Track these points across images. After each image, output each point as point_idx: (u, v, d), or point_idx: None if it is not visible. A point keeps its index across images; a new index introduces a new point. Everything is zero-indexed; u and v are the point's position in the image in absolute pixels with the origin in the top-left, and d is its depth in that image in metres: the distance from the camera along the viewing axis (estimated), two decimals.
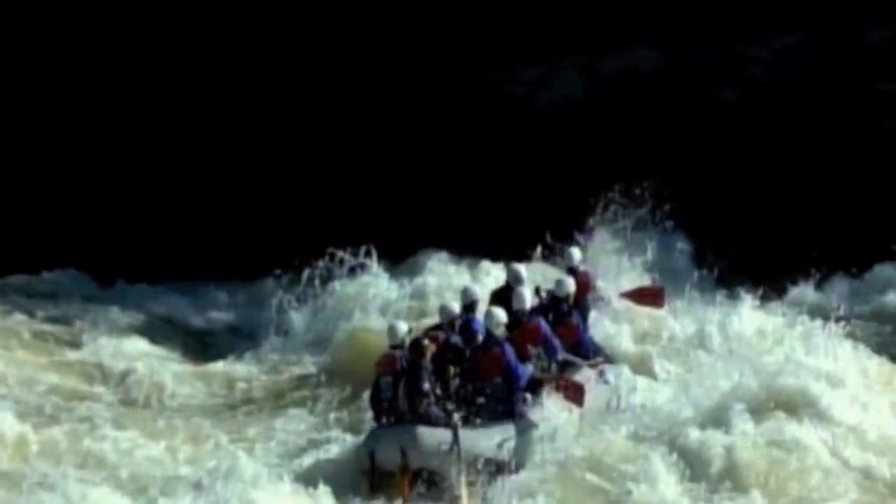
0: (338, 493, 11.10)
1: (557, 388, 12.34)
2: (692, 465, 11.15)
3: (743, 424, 11.52)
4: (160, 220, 18.84)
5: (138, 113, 19.53)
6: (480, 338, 12.25)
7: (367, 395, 12.41)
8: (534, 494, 11.14)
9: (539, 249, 15.94)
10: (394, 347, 12.36)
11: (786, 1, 18.48)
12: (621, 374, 13.12)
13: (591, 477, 11.35)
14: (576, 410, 12.26)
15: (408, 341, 12.36)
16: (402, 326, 12.59)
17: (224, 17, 19.56)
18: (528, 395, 12.17)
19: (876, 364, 13.00)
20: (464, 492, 11.35)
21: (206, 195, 18.87)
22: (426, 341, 12.08)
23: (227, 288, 17.62)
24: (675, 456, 11.23)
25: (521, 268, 13.58)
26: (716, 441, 11.33)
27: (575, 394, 12.27)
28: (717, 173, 17.98)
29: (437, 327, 12.97)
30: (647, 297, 14.34)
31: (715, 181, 17.91)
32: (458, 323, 12.70)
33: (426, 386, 11.78)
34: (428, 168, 18.84)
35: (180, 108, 19.39)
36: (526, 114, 19.24)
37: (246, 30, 19.60)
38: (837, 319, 12.50)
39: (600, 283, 14.24)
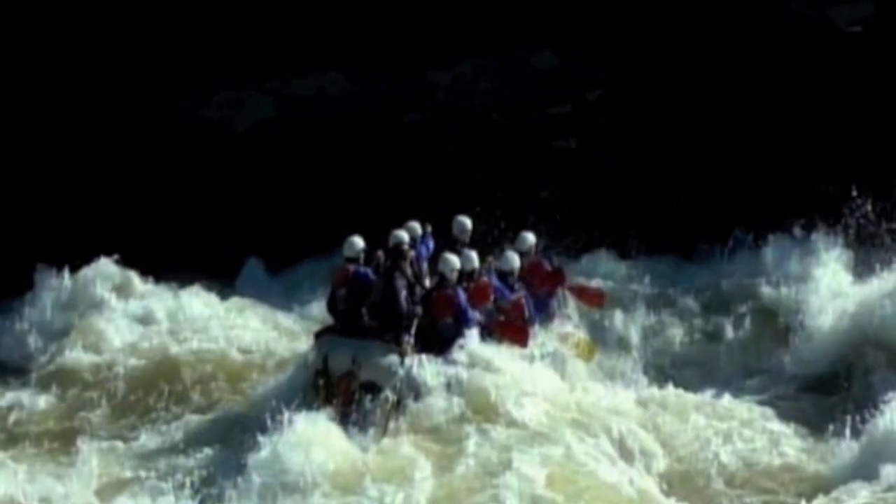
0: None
1: (502, 331, 13.06)
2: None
3: None
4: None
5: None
6: (425, 264, 13.19)
7: None
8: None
9: None
10: (348, 261, 13.06)
11: (465, 28, 19.31)
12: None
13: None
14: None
15: (363, 257, 13.10)
16: (359, 241, 13.24)
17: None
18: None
19: None
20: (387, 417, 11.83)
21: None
22: (406, 246, 12.73)
23: None
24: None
25: (468, 220, 14.17)
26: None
27: (519, 336, 13.00)
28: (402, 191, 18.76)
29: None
30: (588, 295, 15.01)
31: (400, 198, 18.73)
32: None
33: (403, 293, 12.43)
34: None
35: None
36: (223, 135, 19.71)
37: None
38: None
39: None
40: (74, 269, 16.90)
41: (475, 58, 19.60)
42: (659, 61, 19.05)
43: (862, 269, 15.96)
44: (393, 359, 12.18)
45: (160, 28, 19.63)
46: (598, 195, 18.65)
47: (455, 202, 17.90)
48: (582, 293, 15.01)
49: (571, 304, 14.87)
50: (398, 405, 12.06)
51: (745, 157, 18.37)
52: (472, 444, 11.68)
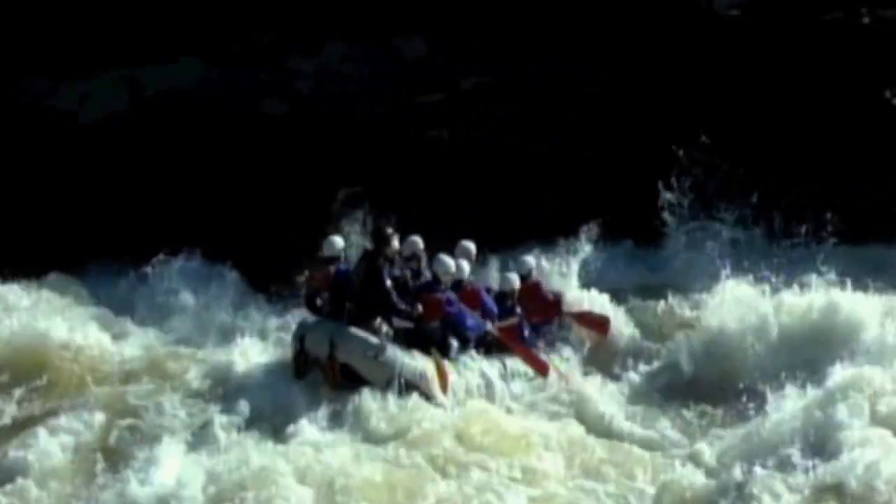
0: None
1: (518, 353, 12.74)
2: None
3: None
4: None
5: None
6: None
7: None
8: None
9: None
10: (328, 261, 12.49)
11: (329, 13, 18.42)
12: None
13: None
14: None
15: (344, 255, 12.56)
16: (339, 240, 12.76)
17: None
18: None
19: None
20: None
21: None
22: (390, 230, 12.12)
23: None
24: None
25: (472, 246, 13.53)
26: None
27: (537, 363, 12.66)
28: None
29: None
30: (592, 322, 14.21)
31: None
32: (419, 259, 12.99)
33: (388, 283, 11.85)
34: None
35: None
36: (69, 129, 18.32)
37: None
38: None
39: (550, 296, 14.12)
40: None
41: (341, 45, 18.67)
42: (535, 47, 18.32)
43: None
44: (371, 344, 11.77)
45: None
46: (473, 186, 17.79)
47: (320, 195, 17.41)
48: (584, 320, 14.31)
49: (574, 331, 14.17)
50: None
51: (624, 142, 17.87)
52: (444, 455, 10.94)
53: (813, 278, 13.86)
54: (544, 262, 15.00)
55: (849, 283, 13.36)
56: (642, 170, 17.15)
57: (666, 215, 16.64)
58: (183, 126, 18.15)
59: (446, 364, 12.05)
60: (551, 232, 16.36)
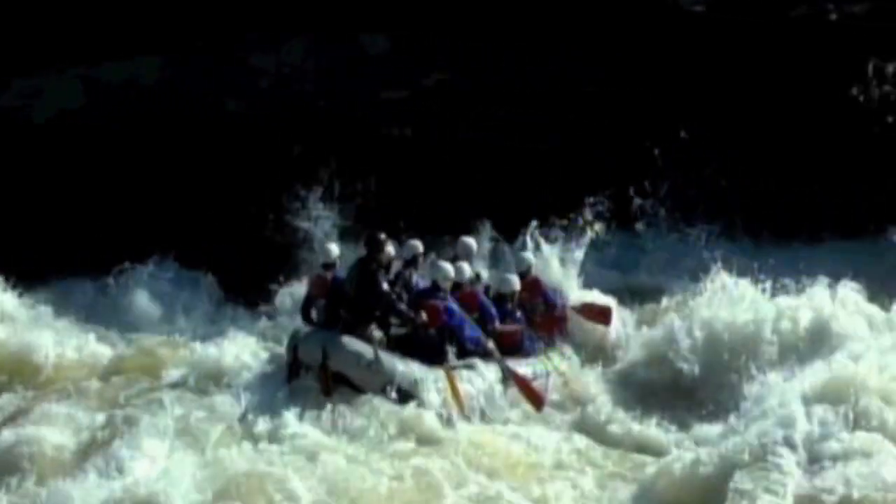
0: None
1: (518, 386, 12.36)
2: None
3: None
4: None
5: None
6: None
7: None
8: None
9: None
10: (326, 267, 12.53)
11: (291, 10, 18.08)
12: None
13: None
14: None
15: (339, 263, 12.63)
16: (335, 247, 12.94)
17: None
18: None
19: None
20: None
21: None
22: (382, 235, 11.96)
23: None
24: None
25: (473, 243, 13.34)
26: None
27: (534, 396, 12.30)
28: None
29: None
30: (595, 313, 13.88)
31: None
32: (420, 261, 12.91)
33: (384, 285, 11.76)
34: None
35: None
36: (20, 127, 17.89)
37: None
38: None
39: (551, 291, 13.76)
40: None
41: (302, 43, 18.40)
42: (500, 44, 18.11)
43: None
44: (364, 351, 11.70)
45: None
46: (436, 183, 17.47)
47: (284, 194, 17.06)
48: (586, 312, 13.98)
49: (576, 324, 13.87)
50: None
51: (584, 138, 17.68)
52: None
53: (805, 280, 13.73)
54: (544, 246, 14.66)
55: (841, 285, 13.30)
56: (628, 167, 17.06)
57: (640, 226, 16.58)
58: (140, 125, 17.85)
59: (457, 375, 11.89)
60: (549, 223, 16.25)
